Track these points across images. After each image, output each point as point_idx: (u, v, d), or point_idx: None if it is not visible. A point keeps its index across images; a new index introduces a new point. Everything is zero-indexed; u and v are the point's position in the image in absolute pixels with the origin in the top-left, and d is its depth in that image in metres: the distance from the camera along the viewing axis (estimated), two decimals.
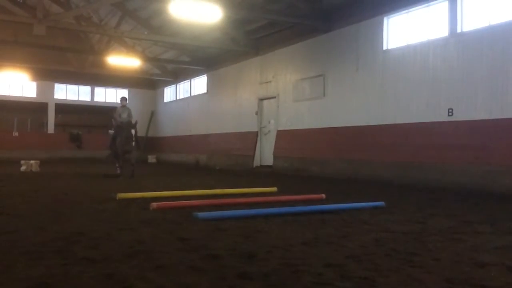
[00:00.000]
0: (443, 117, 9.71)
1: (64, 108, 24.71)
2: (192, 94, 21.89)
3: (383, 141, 11.09)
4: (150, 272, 2.87)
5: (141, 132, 19.69)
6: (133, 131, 11.17)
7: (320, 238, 4.00)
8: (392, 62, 11.03)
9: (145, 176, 12.15)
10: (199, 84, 21.24)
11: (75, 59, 21.67)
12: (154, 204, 5.55)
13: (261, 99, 16.11)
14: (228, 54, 17.81)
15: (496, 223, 4.97)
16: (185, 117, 22.12)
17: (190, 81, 21.99)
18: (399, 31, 11.01)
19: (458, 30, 9.57)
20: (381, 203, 6.10)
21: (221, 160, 18.00)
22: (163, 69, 22.83)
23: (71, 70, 21.58)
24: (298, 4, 12.73)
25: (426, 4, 10.26)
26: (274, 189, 8.05)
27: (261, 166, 15.63)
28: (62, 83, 24.30)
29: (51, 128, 24.20)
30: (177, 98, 23.53)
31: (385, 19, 11.27)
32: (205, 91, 20.43)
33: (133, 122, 11.42)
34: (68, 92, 24.77)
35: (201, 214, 4.89)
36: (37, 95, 23.78)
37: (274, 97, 15.30)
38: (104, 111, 26.89)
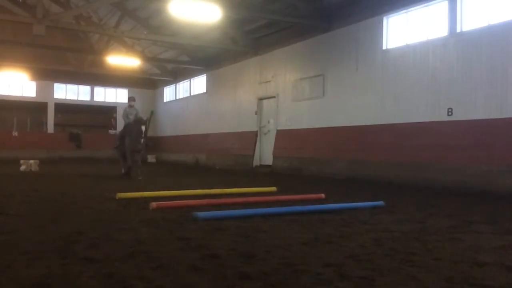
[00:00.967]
0: (442, 116, 9.71)
1: (64, 108, 24.71)
2: (192, 94, 21.89)
3: (383, 140, 11.10)
4: (149, 272, 2.87)
5: None
6: (143, 128, 10.59)
7: (320, 238, 4.01)
8: (391, 62, 11.03)
9: (145, 175, 12.13)
10: (198, 84, 21.24)
11: (74, 58, 21.67)
12: (154, 204, 5.55)
13: (261, 99, 16.12)
14: (228, 53, 17.81)
15: (496, 222, 4.98)
16: (184, 117, 22.12)
17: (190, 80, 21.99)
18: (398, 31, 11.01)
19: (458, 30, 9.57)
20: (380, 203, 6.11)
21: (220, 160, 18.00)
22: (163, 68, 22.83)
23: (70, 69, 21.58)
24: (298, 4, 12.73)
25: (426, 4, 10.26)
26: (274, 189, 8.05)
27: (261, 165, 15.63)
28: (61, 83, 24.30)
29: (50, 128, 24.20)
30: (177, 97, 23.53)
31: (384, 19, 11.27)
32: (205, 90, 20.43)
33: (144, 118, 10.91)
34: (67, 92, 24.77)
35: (201, 214, 4.89)
36: (36, 94, 23.78)
37: (274, 97, 15.30)
38: (103, 111, 26.95)
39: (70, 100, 24.78)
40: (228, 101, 18.19)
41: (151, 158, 22.54)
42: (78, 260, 3.11)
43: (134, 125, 10.71)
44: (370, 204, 6.09)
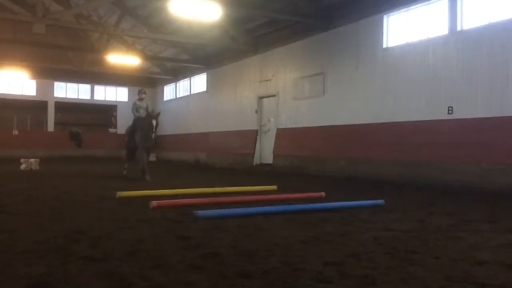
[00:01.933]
0: (443, 115, 9.71)
1: (64, 107, 24.71)
2: (192, 93, 21.88)
3: (383, 139, 11.09)
4: (150, 270, 2.87)
5: None
6: (154, 122, 9.86)
7: (320, 236, 4.01)
8: (392, 61, 11.02)
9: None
10: (198, 83, 21.22)
11: (74, 57, 21.64)
12: (154, 203, 5.55)
13: (261, 98, 16.11)
14: (228, 52, 17.79)
15: (496, 221, 4.98)
16: (184, 116, 22.11)
17: (190, 79, 21.98)
18: (399, 29, 10.99)
19: (458, 28, 9.56)
20: (380, 202, 6.11)
21: (220, 159, 18.00)
22: (163, 67, 22.81)
23: (70, 68, 21.56)
24: (298, 3, 12.71)
25: (426, 2, 10.24)
26: (274, 187, 8.06)
27: (261, 164, 15.63)
28: (61, 82, 24.29)
29: (51, 127, 24.20)
30: (177, 96, 23.52)
31: (385, 17, 11.26)
32: (205, 89, 20.42)
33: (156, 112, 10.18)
34: (67, 91, 24.76)
35: (201, 213, 4.90)
36: (36, 93, 23.77)
37: (274, 96, 15.29)
38: (104, 110, 26.95)
39: (70, 98, 24.77)
40: (229, 99, 18.18)
41: (151, 157, 22.53)
42: (79, 259, 3.11)
43: (145, 120, 10.04)
44: (370, 203, 6.09)
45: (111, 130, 26.58)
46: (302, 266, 3.00)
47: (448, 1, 9.71)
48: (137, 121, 10.39)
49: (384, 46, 11.23)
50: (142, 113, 10.36)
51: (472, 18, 9.37)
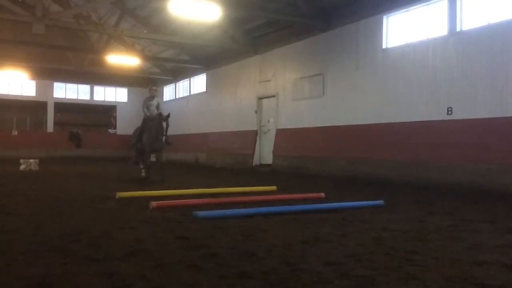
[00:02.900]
0: (442, 115, 9.71)
1: (63, 107, 24.73)
2: (192, 93, 21.88)
3: (383, 139, 11.09)
4: (149, 271, 2.87)
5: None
6: (164, 125, 9.29)
7: (320, 236, 4.01)
8: (391, 61, 11.02)
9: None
10: (198, 83, 21.22)
11: (74, 58, 21.64)
12: (154, 203, 5.54)
13: (261, 98, 16.11)
14: (228, 52, 17.80)
15: (496, 221, 4.98)
16: (184, 116, 22.08)
17: (190, 79, 21.98)
18: (398, 30, 11.00)
19: (458, 29, 9.57)
20: (380, 202, 6.11)
21: (220, 159, 17.99)
22: (162, 67, 22.81)
23: (70, 69, 21.56)
24: (298, 3, 12.71)
25: (426, 3, 10.25)
26: (274, 187, 8.05)
27: (261, 164, 15.63)
28: (61, 82, 24.31)
29: (50, 127, 24.21)
30: (177, 96, 23.51)
31: (384, 18, 11.26)
32: (205, 89, 20.42)
33: (166, 114, 9.49)
34: (67, 91, 24.77)
35: (201, 213, 4.89)
36: (36, 94, 23.78)
37: (274, 96, 15.29)
38: (103, 110, 26.95)
39: (70, 99, 24.79)
40: (228, 100, 18.18)
41: (152, 157, 22.52)
42: (78, 259, 3.11)
43: (154, 122, 9.45)
44: (370, 203, 6.08)
45: (111, 130, 26.58)
46: (302, 267, 3.00)
47: (448, 2, 9.72)
48: (146, 121, 9.84)
49: (384, 46, 11.24)
50: (153, 111, 9.80)
51: (472, 19, 9.38)
